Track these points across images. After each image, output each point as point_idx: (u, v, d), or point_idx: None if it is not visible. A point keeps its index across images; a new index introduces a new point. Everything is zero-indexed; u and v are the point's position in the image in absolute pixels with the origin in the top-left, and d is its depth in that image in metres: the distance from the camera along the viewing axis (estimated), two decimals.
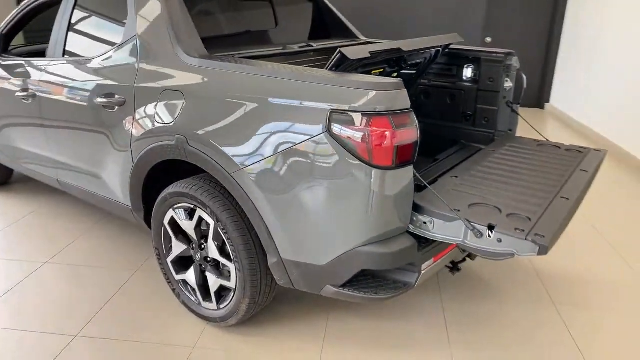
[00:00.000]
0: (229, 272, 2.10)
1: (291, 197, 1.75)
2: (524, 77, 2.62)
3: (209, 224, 2.06)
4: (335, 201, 1.67)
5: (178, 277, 2.32)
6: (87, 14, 2.68)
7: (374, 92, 1.57)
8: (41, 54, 3.46)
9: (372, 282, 1.82)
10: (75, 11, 2.70)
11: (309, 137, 1.66)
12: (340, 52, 1.78)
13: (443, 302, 2.45)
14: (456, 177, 2.01)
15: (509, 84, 2.61)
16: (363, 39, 3.14)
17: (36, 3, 3.01)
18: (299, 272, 1.85)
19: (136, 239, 3.07)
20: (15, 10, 3.15)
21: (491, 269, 2.74)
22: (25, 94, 2.87)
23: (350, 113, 1.57)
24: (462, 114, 2.75)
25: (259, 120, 1.79)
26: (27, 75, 2.90)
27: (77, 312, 2.36)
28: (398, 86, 1.60)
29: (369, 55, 1.89)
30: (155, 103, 2.13)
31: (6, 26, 3.21)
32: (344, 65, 1.85)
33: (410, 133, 1.60)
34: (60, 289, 2.55)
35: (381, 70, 2.31)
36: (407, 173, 1.65)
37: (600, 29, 5.60)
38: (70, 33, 2.71)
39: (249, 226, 1.95)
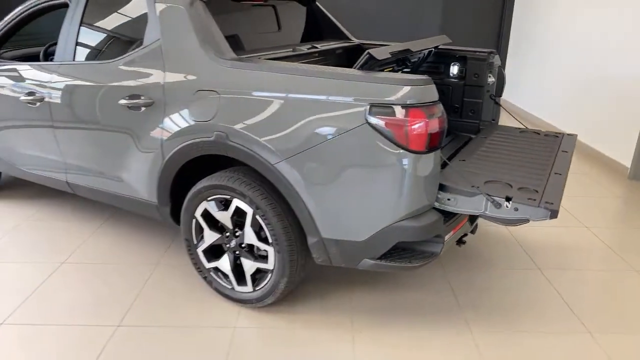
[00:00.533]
0: (265, 255, 2.29)
1: (333, 182, 1.98)
2: (504, 73, 2.98)
3: (246, 213, 2.25)
4: (375, 183, 1.92)
5: (209, 265, 2.49)
6: (98, 19, 2.76)
7: (409, 87, 1.84)
8: (33, 57, 3.46)
9: (403, 253, 2.08)
10: (86, 16, 2.77)
11: (349, 128, 1.90)
12: (368, 53, 2.03)
13: (447, 274, 2.76)
14: (464, 160, 2.31)
15: (491, 79, 2.96)
16: (355, 40, 3.40)
17: (34, 8, 3.04)
18: (338, 249, 2.09)
19: (146, 236, 3.17)
20: (9, 15, 3.14)
21: (481, 243, 3.09)
22: (31, 97, 2.90)
23: (391, 105, 1.82)
24: (450, 106, 3.08)
25: (299, 115, 2.00)
26: (33, 79, 2.93)
27: (111, 304, 2.46)
28: (428, 82, 1.87)
29: (390, 56, 2.15)
30: (188, 103, 2.28)
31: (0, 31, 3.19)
32: (369, 64, 2.10)
33: (439, 122, 1.88)
34: (87, 285, 2.63)
35: (390, 68, 2.58)
36: (436, 157, 1.93)
37: (545, 29, 6.19)
38: (80, 37, 2.78)
39: (286, 211, 2.16)
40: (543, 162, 2.32)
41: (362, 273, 2.74)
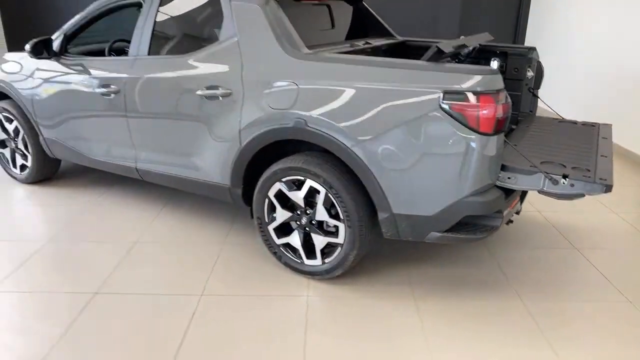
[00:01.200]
0: (333, 231, 2.53)
1: (406, 162, 2.22)
2: (543, 67, 3.21)
3: (318, 192, 2.49)
4: (446, 162, 2.16)
5: (279, 242, 2.72)
6: (172, 16, 3.00)
7: (480, 76, 2.08)
8: (97, 53, 3.70)
9: (466, 227, 2.32)
10: (160, 14, 3.01)
11: (423, 112, 2.14)
12: (437, 46, 2.27)
13: (492, 252, 3.00)
14: (515, 145, 2.55)
15: (530, 73, 3.20)
16: (399, 37, 3.63)
17: (108, 6, 3.27)
18: (408, 223, 2.32)
19: (206, 219, 3.40)
20: (81, 14, 3.37)
21: (519, 226, 3.33)
22: (106, 89, 3.13)
23: (463, 92, 2.06)
24: None
25: (375, 102, 2.24)
26: (108, 72, 3.16)
27: (190, 277, 2.70)
28: (494, 72, 2.11)
29: (453, 49, 2.39)
30: (267, 92, 2.52)
31: (70, 28, 3.43)
32: (436, 56, 2.34)
33: (505, 107, 2.12)
34: (162, 262, 2.87)
35: (447, 61, 2.81)
36: (500, 139, 2.17)
37: (563, 26, 6.43)
38: (155, 33, 3.01)
39: (357, 189, 2.40)
40: (587, 146, 2.56)
41: (415, 250, 2.98)
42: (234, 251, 3.00)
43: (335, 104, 2.33)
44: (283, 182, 2.59)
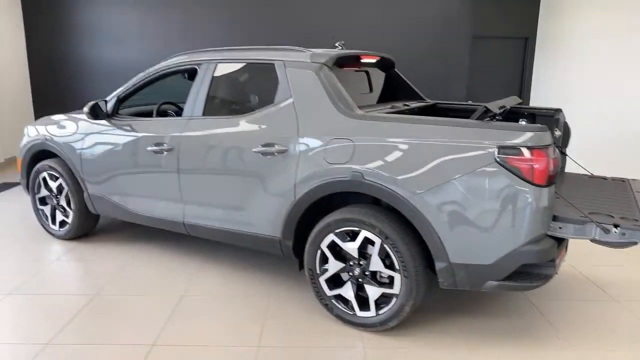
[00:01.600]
0: (386, 282, 2.60)
1: (464, 212, 2.34)
2: (570, 127, 3.43)
3: (373, 242, 2.59)
4: (502, 212, 2.28)
5: (330, 293, 2.78)
6: (227, 81, 3.23)
7: (532, 133, 2.26)
8: (143, 114, 3.91)
9: (522, 275, 2.40)
10: (215, 79, 3.24)
11: (480, 166, 2.29)
12: (485, 106, 2.48)
13: (533, 302, 3.05)
14: (558, 197, 2.69)
15: (558, 133, 3.41)
16: (429, 100, 3.88)
17: (160, 73, 3.51)
18: (466, 272, 2.41)
19: (251, 271, 3.45)
20: (136, 78, 3.62)
21: (559, 279, 3.40)
22: (158, 147, 3.30)
23: (518, 147, 2.23)
24: None
25: (431, 156, 2.40)
26: (162, 131, 3.34)
27: (244, 329, 2.72)
28: (544, 129, 2.29)
29: (500, 110, 2.60)
30: (323, 149, 2.69)
31: (123, 91, 3.66)
32: (483, 115, 2.54)
33: (556, 161, 2.28)
34: (215, 314, 2.90)
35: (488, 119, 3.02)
36: (552, 191, 2.31)
37: (564, 79, 6.82)
38: (209, 96, 3.23)
39: (412, 240, 2.50)
40: (625, 198, 2.71)
41: (457, 300, 3.02)
42: (282, 303, 3.03)
43: (391, 159, 2.50)
44: (336, 233, 2.70)
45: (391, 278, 2.59)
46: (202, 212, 3.25)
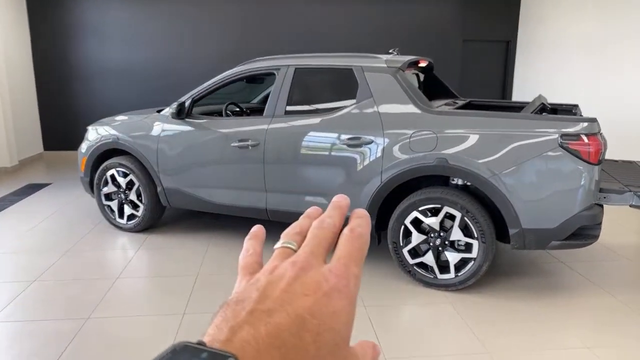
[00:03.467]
0: (463, 249, 3.17)
1: (535, 187, 2.94)
2: None
3: (454, 216, 3.15)
4: (566, 185, 2.90)
5: (413, 262, 3.32)
6: (306, 84, 3.69)
7: (587, 123, 2.88)
8: (210, 114, 4.29)
9: (577, 236, 3.03)
10: (294, 82, 3.70)
11: (547, 149, 2.90)
12: (542, 103, 3.09)
13: (563, 261, 3.71)
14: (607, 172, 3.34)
15: None
16: (462, 99, 4.49)
17: (236, 76, 3.92)
18: (534, 235, 3.01)
19: None
20: (210, 81, 4.00)
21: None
22: (244, 143, 3.72)
23: (579, 134, 2.85)
24: None
25: (504, 144, 2.99)
26: (246, 128, 3.75)
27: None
28: (594, 120, 2.92)
29: (549, 106, 3.22)
30: (407, 141, 3.22)
31: (198, 93, 4.03)
32: (540, 110, 3.15)
33: (604, 144, 2.92)
34: None
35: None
36: (600, 168, 2.95)
37: (539, 79, 7.67)
38: (290, 98, 3.68)
39: (487, 212, 3.09)
40: None
41: (504, 266, 3.64)
42: (369, 273, 3.54)
43: (471, 146, 3.06)
44: (419, 210, 3.24)
45: (468, 245, 3.16)
46: (286, 199, 3.69)
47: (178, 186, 4.10)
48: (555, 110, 4.09)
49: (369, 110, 3.39)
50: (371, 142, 3.34)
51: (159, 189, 4.20)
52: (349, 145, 3.40)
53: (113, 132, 4.34)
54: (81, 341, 2.66)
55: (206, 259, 3.81)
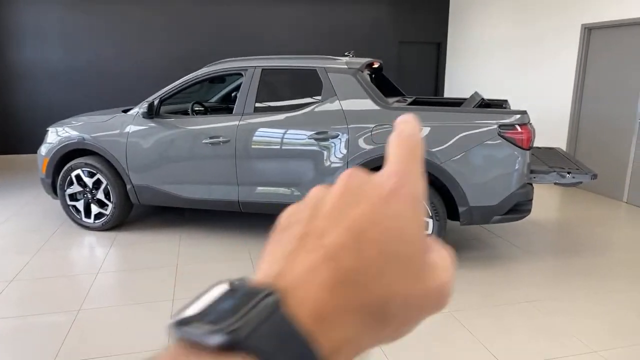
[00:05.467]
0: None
1: (479, 170, 3.45)
2: None
3: None
4: (504, 168, 3.44)
5: None
6: (272, 84, 3.99)
7: (519, 115, 3.43)
8: (176, 114, 4.46)
9: (514, 211, 3.58)
10: (261, 83, 3.98)
11: (488, 138, 3.42)
12: (482, 98, 3.61)
13: (497, 234, 4.31)
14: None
15: None
16: (408, 96, 4.98)
17: (200, 78, 4.13)
18: (480, 212, 3.53)
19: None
20: (178, 82, 4.18)
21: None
22: (215, 139, 3.95)
23: (513, 124, 3.39)
24: None
25: (452, 134, 3.47)
26: (217, 125, 3.98)
27: None
28: (525, 112, 3.48)
29: (489, 102, 3.75)
30: (370, 134, 3.62)
31: (165, 94, 4.20)
32: (478, 105, 3.67)
33: (533, 133, 3.49)
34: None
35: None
36: (530, 153, 3.52)
37: (467, 78, 8.47)
38: (258, 96, 3.96)
39: (440, 194, 3.57)
40: (562, 158, 4.06)
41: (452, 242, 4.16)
42: None
43: (425, 137, 3.52)
44: None
45: (426, 223, 3.62)
46: (257, 191, 3.97)
47: (148, 183, 4.23)
48: (489, 104, 4.69)
49: (334, 107, 3.76)
50: (337, 136, 3.71)
51: (128, 186, 4.31)
52: (316, 140, 3.74)
53: (77, 132, 4.38)
54: (79, 330, 2.80)
55: (181, 250, 4.00)
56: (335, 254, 0.26)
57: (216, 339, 0.23)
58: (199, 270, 3.63)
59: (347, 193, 0.29)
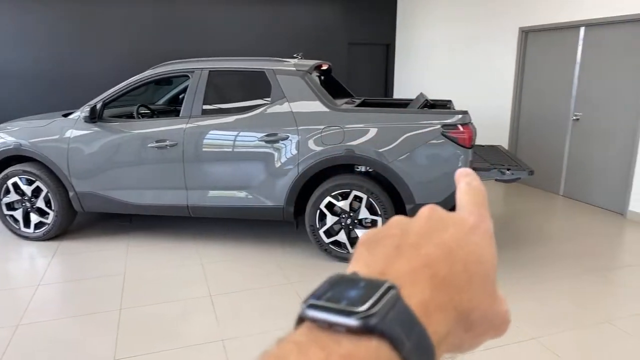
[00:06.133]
0: (372, 224, 3.71)
1: (424, 169, 3.57)
2: None
3: (362, 198, 3.67)
4: (448, 166, 3.56)
5: (328, 241, 3.78)
6: (220, 86, 3.95)
7: (461, 115, 3.57)
8: (120, 117, 4.34)
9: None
10: (209, 84, 3.93)
11: (432, 137, 3.54)
12: (426, 99, 3.73)
13: None
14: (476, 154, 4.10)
15: None
16: (357, 98, 5.06)
17: (146, 80, 4.04)
18: None
19: (264, 240, 4.22)
20: (122, 84, 4.06)
21: None
22: (162, 143, 3.86)
23: (456, 124, 3.53)
24: None
25: (398, 134, 3.57)
26: (163, 129, 3.89)
27: (270, 270, 3.56)
28: (466, 112, 3.62)
29: (432, 102, 3.88)
30: (319, 135, 3.66)
31: (109, 96, 4.06)
32: (423, 106, 3.79)
33: (475, 132, 3.64)
34: (249, 264, 3.66)
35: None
36: (472, 151, 3.67)
37: (411, 77, 8.72)
38: (206, 99, 3.92)
39: (387, 192, 3.66)
40: (504, 155, 4.26)
41: None
42: (291, 253, 3.92)
43: (373, 138, 3.60)
44: (332, 195, 3.71)
45: (374, 221, 3.70)
46: (207, 195, 3.92)
47: (92, 190, 4.09)
48: (434, 105, 4.84)
49: (283, 109, 3.77)
50: (287, 137, 3.72)
51: (71, 194, 4.14)
52: (266, 142, 3.74)
53: (13, 138, 4.16)
54: (17, 347, 2.67)
55: (129, 258, 3.89)
56: (432, 263, 0.31)
57: (354, 322, 0.26)
58: (148, 278, 3.54)
59: (433, 221, 0.34)
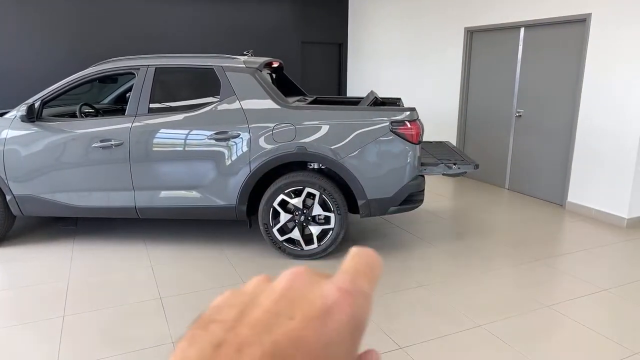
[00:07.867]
0: (323, 222, 3.73)
1: (374, 165, 3.62)
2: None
3: (314, 195, 3.68)
4: (397, 162, 3.64)
5: (282, 238, 3.77)
6: (168, 83, 3.85)
7: (409, 112, 3.65)
8: (62, 116, 4.15)
9: (408, 202, 3.81)
10: (155, 81, 3.83)
11: (381, 134, 3.60)
12: (375, 96, 3.79)
13: (396, 224, 4.57)
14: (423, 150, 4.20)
15: None
16: (309, 96, 5.08)
17: (87, 78, 3.88)
18: (377, 204, 3.70)
19: (213, 237, 4.15)
20: (62, 82, 3.88)
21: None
22: (106, 143, 3.73)
23: (403, 121, 3.60)
24: None
25: (349, 131, 3.61)
26: (108, 128, 3.76)
27: (226, 271, 3.51)
28: (414, 109, 3.71)
29: (382, 99, 3.95)
30: (270, 133, 3.64)
31: (48, 95, 3.88)
32: (372, 103, 3.85)
33: (422, 128, 3.73)
34: (199, 265, 3.59)
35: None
36: (420, 147, 3.76)
37: (363, 76, 8.86)
38: (153, 97, 3.81)
39: (340, 189, 3.69)
40: (451, 150, 4.39)
41: (354, 234, 4.34)
42: (241, 252, 3.88)
43: (325, 135, 3.62)
44: (285, 193, 3.70)
45: (327, 218, 3.73)
46: (156, 196, 3.82)
47: (32, 193, 3.89)
48: (384, 102, 4.93)
49: (233, 107, 3.72)
50: (238, 135, 3.68)
51: (8, 197, 3.92)
52: (216, 140, 3.69)
53: None
54: None
55: (74, 263, 3.73)
56: None
57: None
58: (94, 283, 3.41)
59: (285, 299, 0.28)
